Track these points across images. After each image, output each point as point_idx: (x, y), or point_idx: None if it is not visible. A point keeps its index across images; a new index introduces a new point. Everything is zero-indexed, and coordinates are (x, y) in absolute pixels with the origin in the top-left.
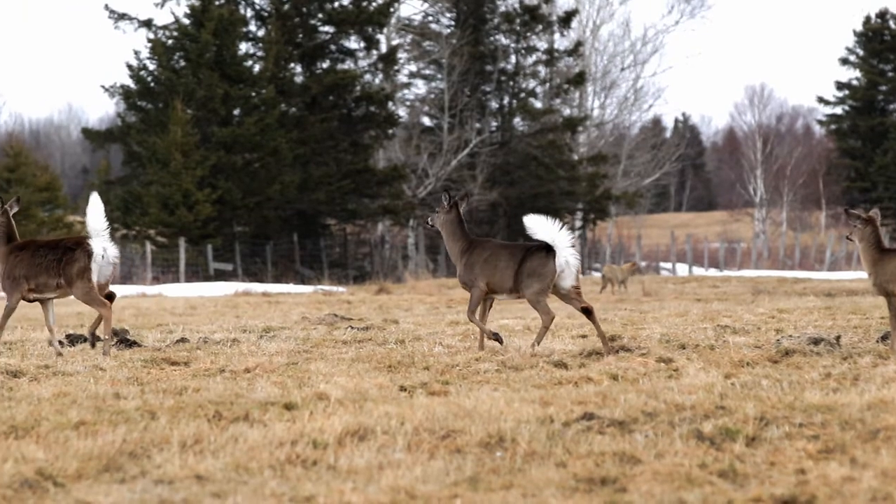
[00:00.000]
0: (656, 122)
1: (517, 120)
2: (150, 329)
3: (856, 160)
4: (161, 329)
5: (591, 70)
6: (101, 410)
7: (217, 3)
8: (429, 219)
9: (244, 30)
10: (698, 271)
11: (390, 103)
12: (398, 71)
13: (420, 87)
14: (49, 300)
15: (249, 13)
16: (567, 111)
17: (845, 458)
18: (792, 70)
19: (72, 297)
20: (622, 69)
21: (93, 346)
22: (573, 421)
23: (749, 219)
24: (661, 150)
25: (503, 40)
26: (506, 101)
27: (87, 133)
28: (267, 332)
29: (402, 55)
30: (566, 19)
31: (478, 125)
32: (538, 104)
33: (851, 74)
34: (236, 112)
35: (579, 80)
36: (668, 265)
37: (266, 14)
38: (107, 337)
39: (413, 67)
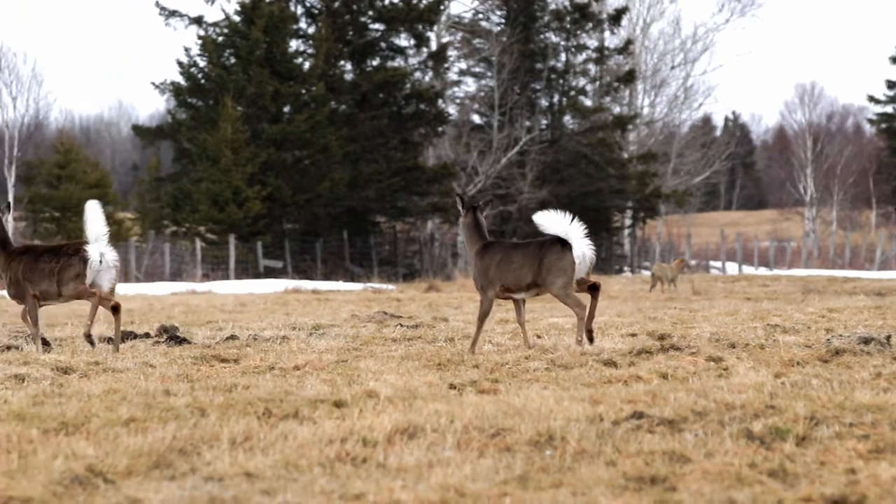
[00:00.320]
0: (706, 121)
1: (567, 118)
2: (199, 326)
3: None
4: (211, 326)
5: (641, 68)
6: (151, 407)
7: (267, 0)
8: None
9: (294, 27)
10: (748, 270)
11: (440, 101)
12: (448, 68)
13: (470, 85)
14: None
15: (300, 10)
16: (617, 109)
17: None
18: (842, 68)
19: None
20: (672, 67)
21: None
22: (623, 419)
23: (799, 217)
24: (711, 149)
25: (553, 38)
26: (556, 98)
27: (138, 130)
28: (316, 329)
29: (452, 53)
30: (616, 17)
31: (528, 123)
32: (588, 102)
33: None
34: (286, 109)
35: (629, 78)
36: (718, 264)
37: (316, 11)
38: (88, 328)
39: (463, 65)
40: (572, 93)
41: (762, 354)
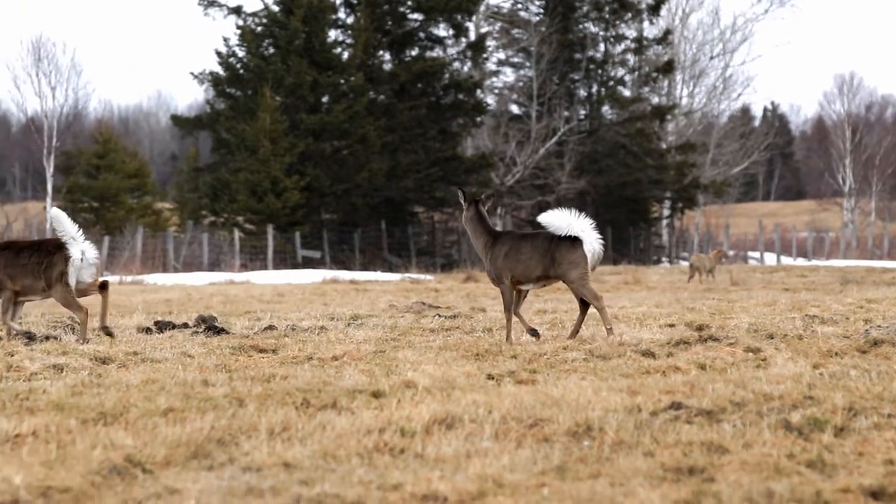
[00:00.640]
0: (745, 111)
1: (605, 108)
2: (237, 316)
3: None
4: (249, 316)
5: (679, 58)
6: (190, 397)
7: None
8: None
9: (333, 17)
10: (786, 261)
11: (479, 91)
12: (487, 59)
13: (508, 75)
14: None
15: (339, 0)
16: (655, 99)
17: None
18: (881, 59)
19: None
20: (711, 58)
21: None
22: (661, 410)
23: (837, 208)
24: (749, 139)
25: (592, 28)
26: (594, 89)
27: (177, 120)
28: (354, 319)
29: (490, 43)
30: (655, 7)
31: (566, 113)
32: (627, 92)
33: None
34: (325, 99)
35: (668, 68)
36: (756, 254)
37: (355, 1)
38: (82, 339)
39: (502, 55)
40: (611, 83)
41: (800, 345)
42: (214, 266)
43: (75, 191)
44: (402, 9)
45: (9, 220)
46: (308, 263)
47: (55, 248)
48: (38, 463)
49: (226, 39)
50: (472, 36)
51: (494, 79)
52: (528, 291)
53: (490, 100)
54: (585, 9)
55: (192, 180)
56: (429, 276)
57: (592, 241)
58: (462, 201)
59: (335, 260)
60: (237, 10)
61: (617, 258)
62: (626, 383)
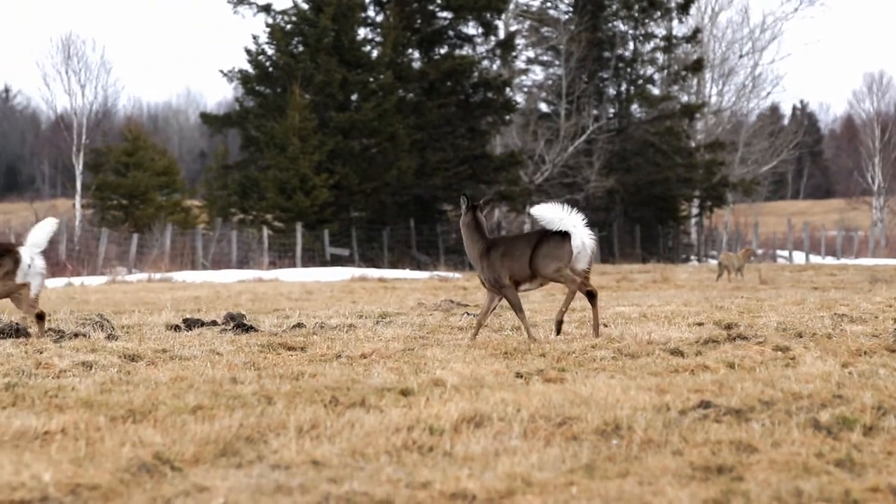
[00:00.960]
0: (774, 110)
1: (634, 106)
2: (266, 314)
3: None
4: (277, 314)
5: (709, 57)
6: (219, 395)
7: None
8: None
9: (362, 15)
10: (815, 259)
11: (508, 89)
12: (516, 57)
13: (538, 74)
14: None
15: None
16: (685, 98)
17: None
18: None
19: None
20: (740, 56)
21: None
22: (689, 409)
23: (867, 207)
24: (778, 138)
25: (621, 27)
26: (623, 87)
27: (206, 117)
28: (383, 317)
29: (519, 41)
30: (684, 6)
31: (595, 112)
32: (656, 91)
33: None
34: (354, 97)
35: (697, 66)
36: (785, 253)
37: None
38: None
39: (531, 53)
40: (640, 81)
41: (829, 344)
42: (243, 264)
43: (104, 188)
44: (431, 7)
45: (38, 217)
46: (337, 261)
47: (4, 251)
48: (67, 460)
49: (255, 37)
50: (502, 34)
51: (523, 77)
52: (496, 304)
53: (519, 98)
54: (615, 7)
55: (220, 178)
56: (457, 275)
57: (583, 237)
58: (462, 205)
59: (364, 258)
60: (267, 8)
61: (646, 256)
62: (654, 382)
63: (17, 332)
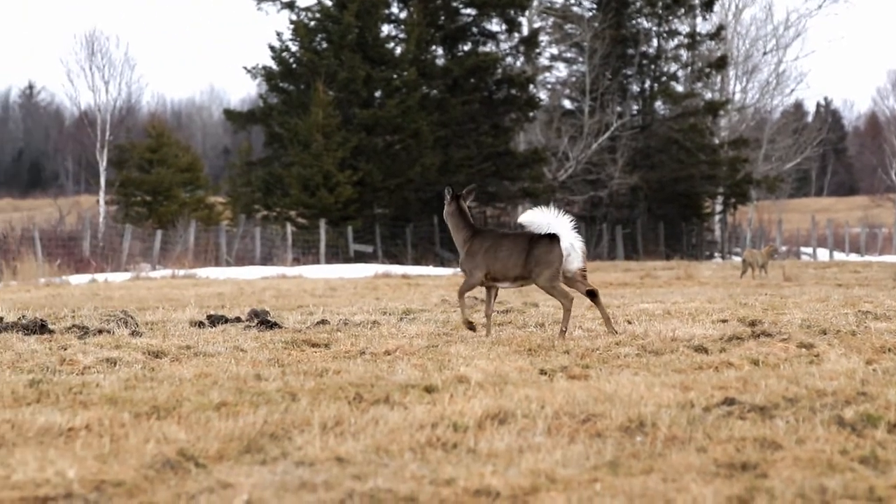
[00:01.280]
0: (798, 107)
1: (658, 103)
2: (290, 310)
3: None
4: (301, 311)
5: (732, 54)
6: (243, 392)
7: None
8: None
9: (386, 12)
10: (839, 256)
11: (531, 86)
12: (539, 54)
13: (561, 70)
14: None
15: None
16: (708, 95)
17: None
18: None
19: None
20: (764, 53)
21: None
22: (714, 406)
23: (891, 204)
24: (802, 135)
25: (645, 23)
26: (647, 84)
27: (229, 114)
28: (407, 314)
29: (543, 38)
30: (708, 3)
31: (619, 108)
32: (679, 88)
33: None
34: (378, 94)
35: (721, 63)
36: (809, 250)
37: None
38: None
39: (554, 50)
40: (664, 78)
41: (853, 341)
42: (267, 260)
43: (128, 185)
44: (455, 3)
45: (62, 213)
46: (360, 258)
47: None
48: (92, 456)
49: (279, 34)
50: (525, 31)
51: (547, 74)
52: (497, 290)
53: (543, 95)
54: (638, 4)
55: (244, 174)
56: None
57: (572, 239)
58: (447, 195)
59: (387, 254)
60: (290, 5)
61: (669, 253)
62: (678, 379)
63: (42, 328)
